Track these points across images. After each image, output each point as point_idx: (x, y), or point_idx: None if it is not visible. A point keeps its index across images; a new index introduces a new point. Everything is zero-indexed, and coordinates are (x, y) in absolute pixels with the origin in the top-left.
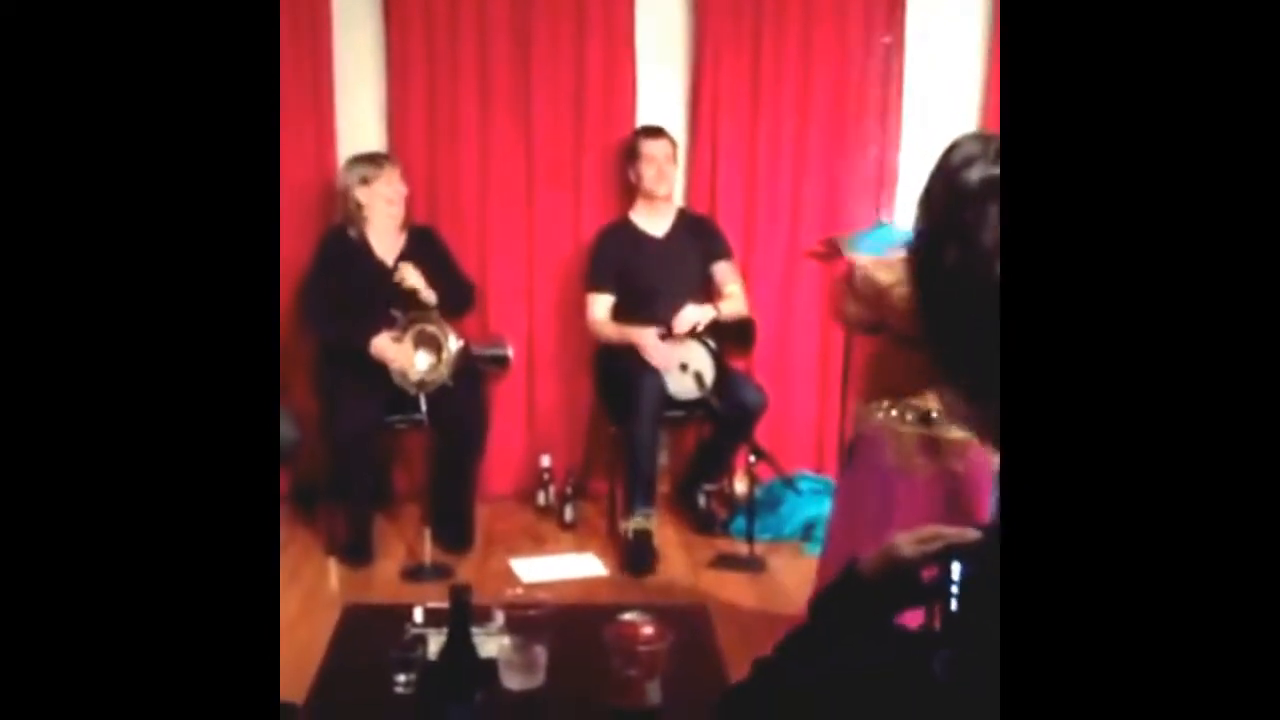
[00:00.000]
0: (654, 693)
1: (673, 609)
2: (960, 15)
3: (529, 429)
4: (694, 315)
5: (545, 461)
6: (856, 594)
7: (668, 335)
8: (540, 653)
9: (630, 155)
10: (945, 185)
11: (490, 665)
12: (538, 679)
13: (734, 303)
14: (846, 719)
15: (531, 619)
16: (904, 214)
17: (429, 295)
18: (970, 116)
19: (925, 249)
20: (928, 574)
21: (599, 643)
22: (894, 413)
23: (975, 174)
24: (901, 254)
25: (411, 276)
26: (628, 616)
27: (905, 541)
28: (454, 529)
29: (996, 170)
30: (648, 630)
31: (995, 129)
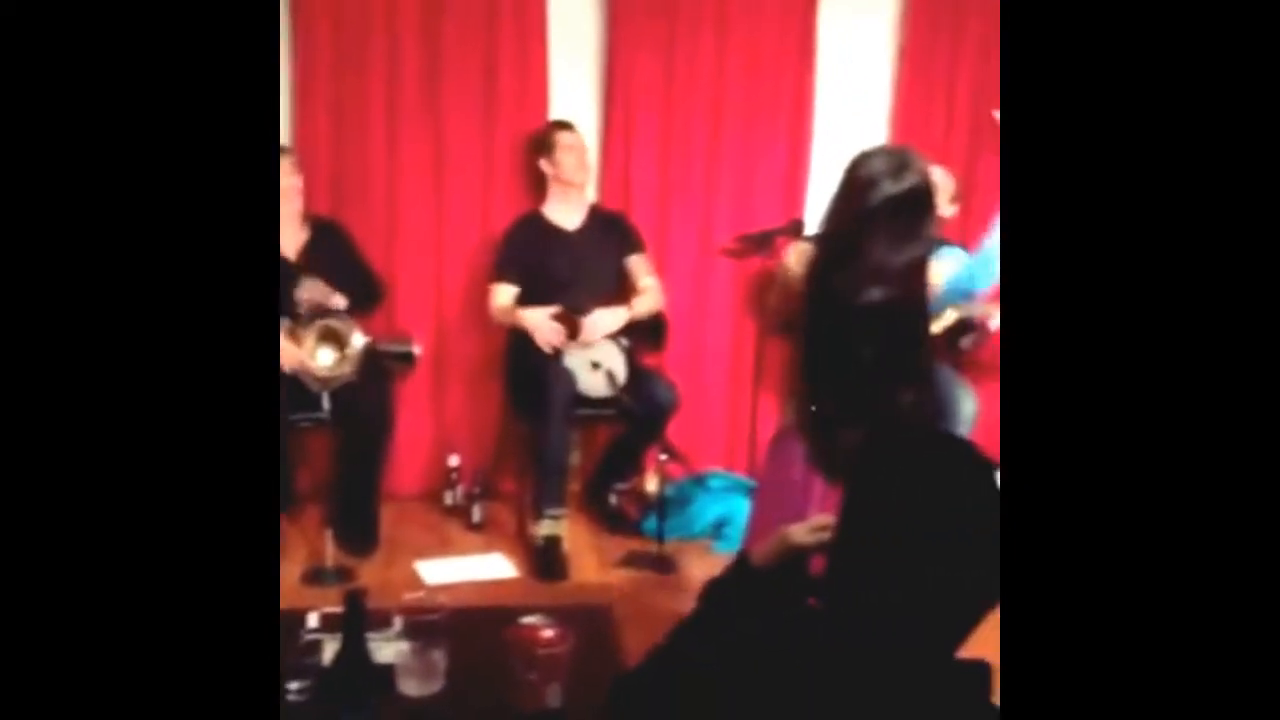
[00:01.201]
0: (554, 696)
1: (575, 610)
2: (871, 13)
3: (436, 427)
4: (605, 321)
5: (453, 461)
6: (747, 581)
7: (564, 316)
8: (439, 657)
9: (545, 147)
10: (847, 204)
11: (387, 671)
12: (436, 684)
13: (649, 297)
14: (735, 700)
15: (430, 623)
16: (816, 212)
17: (338, 301)
18: (881, 114)
19: (818, 265)
20: (818, 563)
21: (500, 646)
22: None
23: (879, 193)
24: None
25: (314, 292)
26: (528, 620)
27: (797, 530)
28: (357, 531)
29: (898, 189)
30: (548, 633)
31: (905, 124)
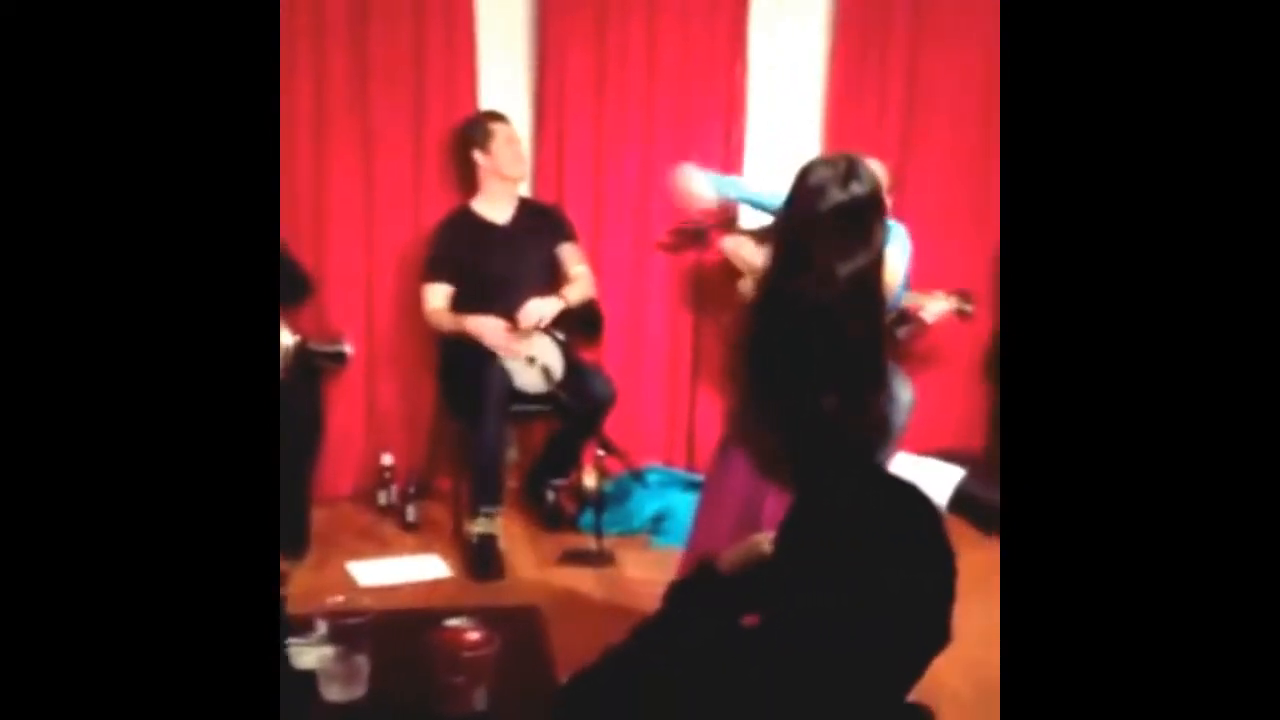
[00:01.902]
0: (480, 699)
1: (504, 612)
2: (803, 5)
3: (368, 426)
4: (540, 309)
5: (386, 460)
6: (712, 588)
7: (513, 329)
8: (362, 662)
9: (479, 139)
10: (797, 214)
11: (309, 677)
12: (359, 690)
13: (581, 284)
14: (692, 706)
15: (354, 627)
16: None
17: None
18: (814, 105)
19: (770, 273)
20: None
21: (425, 650)
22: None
23: (827, 202)
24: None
25: None
26: (453, 623)
27: (765, 539)
28: (288, 533)
29: (847, 195)
30: (473, 636)
31: (838, 115)
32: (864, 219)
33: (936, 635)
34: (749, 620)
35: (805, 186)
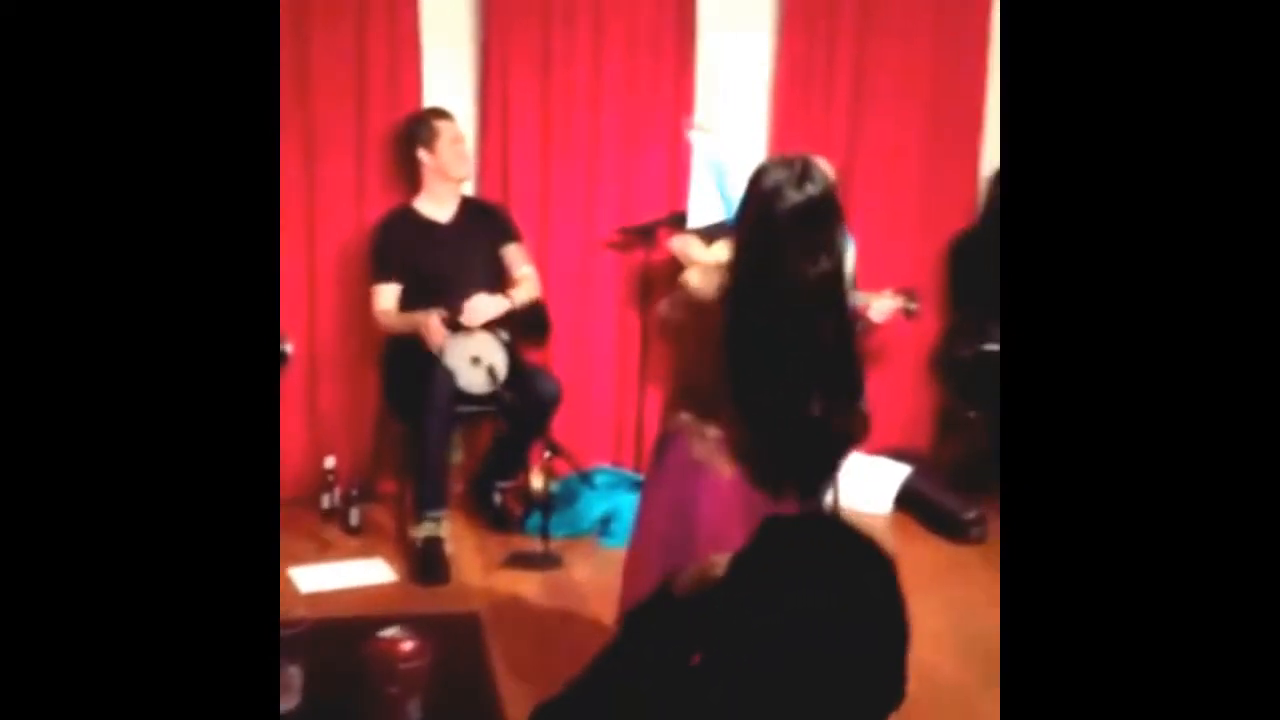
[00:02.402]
0: (415, 710)
1: (443, 619)
2: (752, 4)
3: (310, 428)
4: (486, 306)
5: (329, 463)
6: (669, 613)
7: (458, 326)
8: (294, 673)
9: (424, 137)
10: (755, 218)
11: None
12: (291, 700)
13: (528, 286)
14: None
15: (288, 639)
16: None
17: None
18: (761, 102)
19: (735, 281)
20: None
21: (361, 660)
22: (699, 414)
23: (784, 204)
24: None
25: None
26: (388, 632)
27: (720, 563)
28: None
29: (803, 196)
30: (408, 646)
31: (785, 112)
32: (822, 220)
33: (890, 692)
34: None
35: (760, 189)
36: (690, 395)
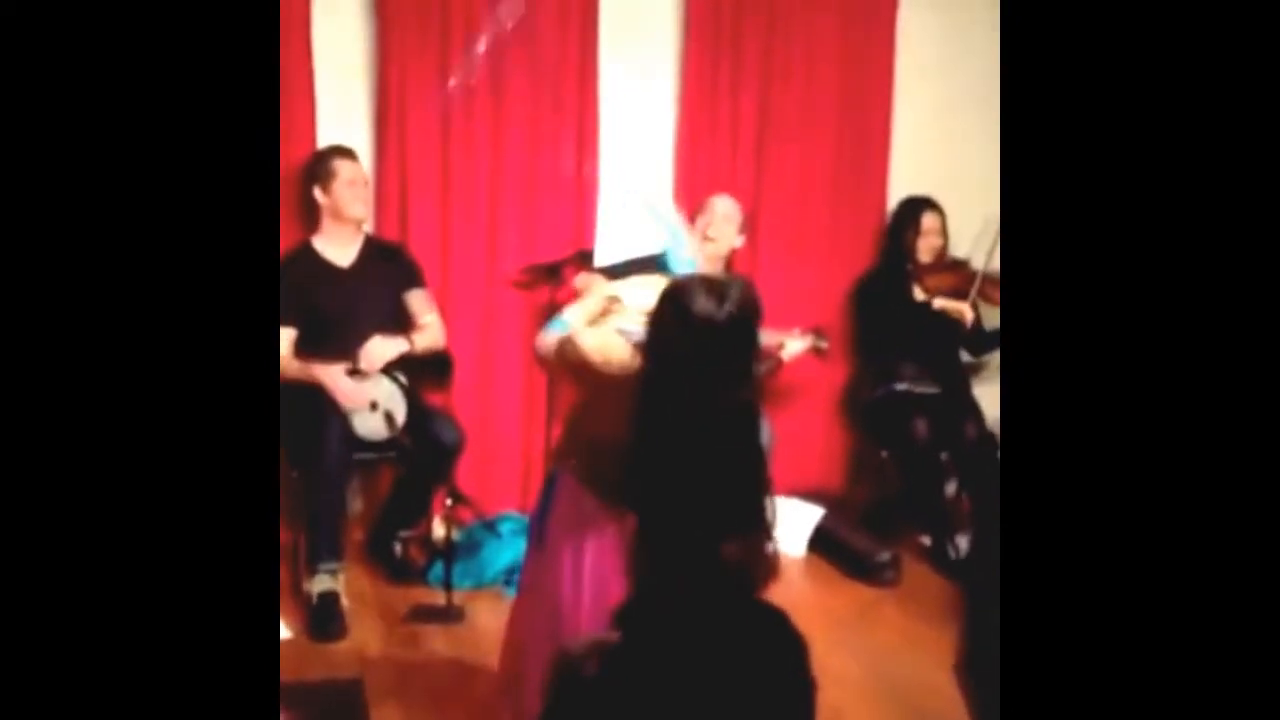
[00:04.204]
0: None
1: (325, 688)
2: (652, 40)
3: None
4: (383, 350)
5: None
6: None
7: (355, 372)
8: None
9: (320, 176)
10: (667, 338)
11: None
12: None
13: (430, 334)
14: None
15: None
16: (604, 240)
17: None
18: (666, 142)
19: (644, 393)
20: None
21: None
22: (596, 487)
23: (698, 328)
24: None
25: None
26: None
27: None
28: None
29: (723, 315)
30: None
31: (690, 152)
32: (739, 344)
33: None
34: None
35: (674, 309)
36: (587, 456)
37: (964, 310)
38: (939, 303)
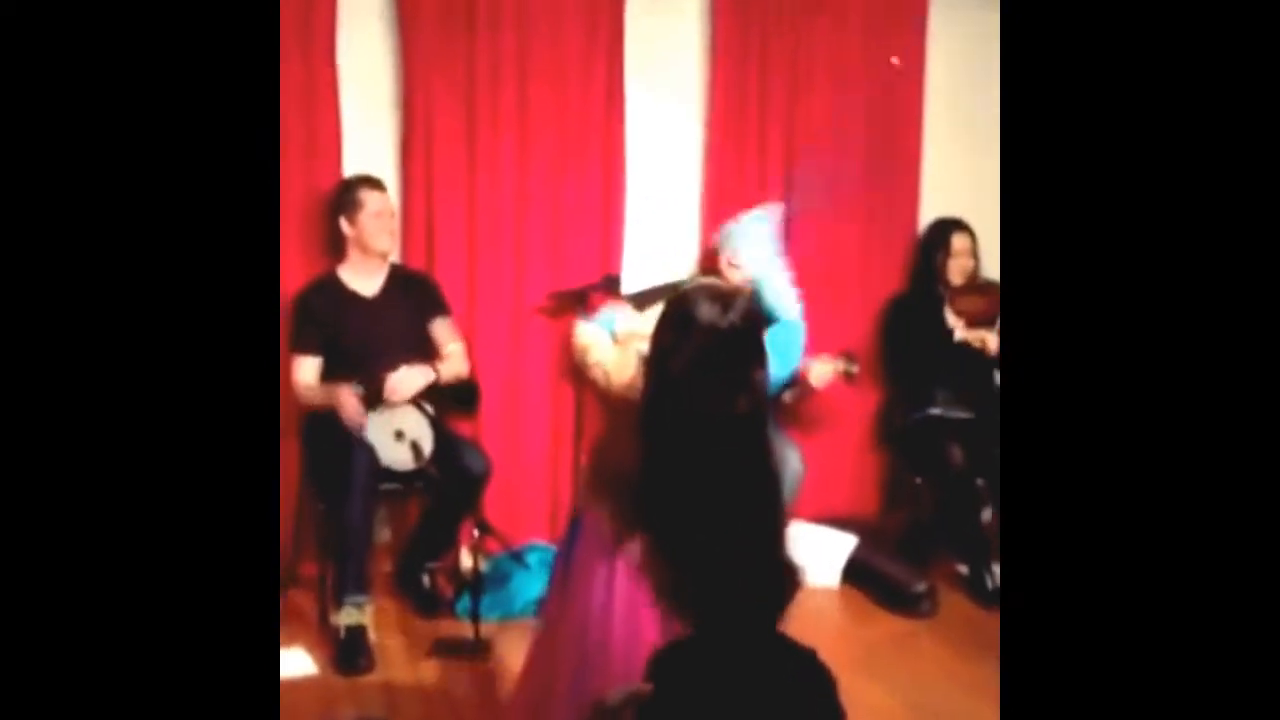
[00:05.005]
0: None
1: None
2: (679, 60)
3: None
4: (411, 380)
5: None
6: None
7: (381, 402)
8: None
9: (347, 207)
10: (671, 350)
11: None
12: None
13: (454, 363)
14: None
15: None
16: (631, 266)
17: None
18: (694, 163)
19: (648, 407)
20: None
21: None
22: (612, 496)
23: (702, 338)
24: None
25: None
26: None
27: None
28: None
29: (726, 324)
30: None
31: (718, 172)
32: (742, 353)
33: None
34: None
35: (678, 317)
36: (607, 470)
37: (986, 339)
38: (960, 334)
